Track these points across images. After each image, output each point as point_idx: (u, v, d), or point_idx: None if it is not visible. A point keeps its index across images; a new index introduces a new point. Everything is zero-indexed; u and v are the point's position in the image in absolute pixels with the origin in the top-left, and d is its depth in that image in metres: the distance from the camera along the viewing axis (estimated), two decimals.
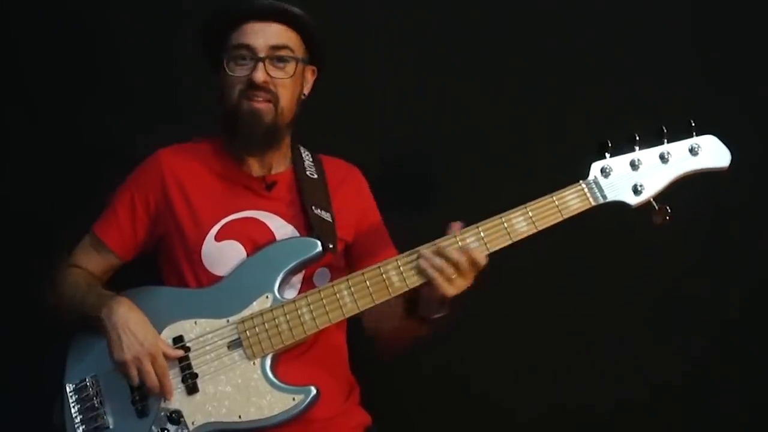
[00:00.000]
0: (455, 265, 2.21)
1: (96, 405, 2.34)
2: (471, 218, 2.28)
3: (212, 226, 2.42)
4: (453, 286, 2.22)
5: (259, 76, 2.37)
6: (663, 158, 2.27)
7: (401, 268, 2.28)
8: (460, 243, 2.24)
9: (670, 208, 2.25)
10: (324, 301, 2.30)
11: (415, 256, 2.27)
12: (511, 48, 3.01)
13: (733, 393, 3.00)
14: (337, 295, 2.30)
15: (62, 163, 2.99)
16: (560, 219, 2.27)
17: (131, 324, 2.29)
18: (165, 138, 2.55)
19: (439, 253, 2.22)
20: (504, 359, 2.99)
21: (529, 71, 3.00)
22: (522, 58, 3.01)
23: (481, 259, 2.22)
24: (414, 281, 2.28)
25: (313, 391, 2.28)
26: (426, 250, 2.25)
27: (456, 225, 2.27)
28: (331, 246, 2.38)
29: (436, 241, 2.25)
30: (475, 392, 3.02)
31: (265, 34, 2.39)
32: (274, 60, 2.40)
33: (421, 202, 2.96)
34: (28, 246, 2.93)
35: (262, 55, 2.38)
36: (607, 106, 2.95)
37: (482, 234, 2.25)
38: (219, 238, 2.42)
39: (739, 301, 3.01)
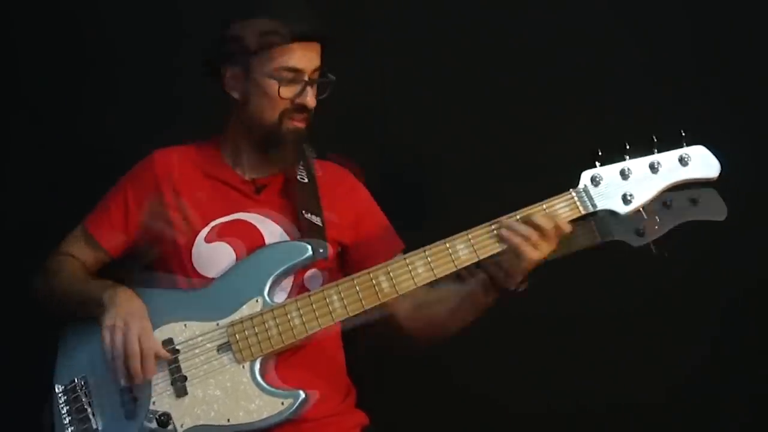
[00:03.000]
0: (540, 230, 2.20)
1: (85, 406, 2.33)
2: (462, 224, 2.28)
3: (202, 228, 2.43)
4: (538, 251, 2.21)
5: (312, 101, 2.39)
6: (653, 168, 2.26)
7: (391, 273, 2.28)
8: (547, 210, 2.23)
9: (659, 218, 2.26)
10: (314, 305, 2.30)
11: (404, 260, 2.28)
12: (508, 55, 3.02)
13: (733, 393, 3.02)
14: (327, 300, 2.30)
15: (62, 164, 3.00)
16: None
17: (134, 307, 2.29)
18: (164, 139, 2.56)
19: (526, 221, 2.22)
20: (504, 360, 3.01)
21: (522, 80, 3.01)
22: (518, 66, 3.01)
23: (565, 225, 2.22)
24: (404, 287, 2.28)
25: (302, 395, 2.28)
26: (509, 219, 2.23)
27: None
28: (321, 250, 2.38)
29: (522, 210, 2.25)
30: (474, 393, 3.04)
31: (311, 57, 2.39)
32: (317, 82, 2.41)
33: (417, 207, 2.96)
34: (26, 246, 2.90)
35: (308, 78, 2.38)
36: (598, 115, 2.96)
37: (472, 242, 2.26)
38: (209, 239, 2.43)
39: (740, 302, 3.03)
